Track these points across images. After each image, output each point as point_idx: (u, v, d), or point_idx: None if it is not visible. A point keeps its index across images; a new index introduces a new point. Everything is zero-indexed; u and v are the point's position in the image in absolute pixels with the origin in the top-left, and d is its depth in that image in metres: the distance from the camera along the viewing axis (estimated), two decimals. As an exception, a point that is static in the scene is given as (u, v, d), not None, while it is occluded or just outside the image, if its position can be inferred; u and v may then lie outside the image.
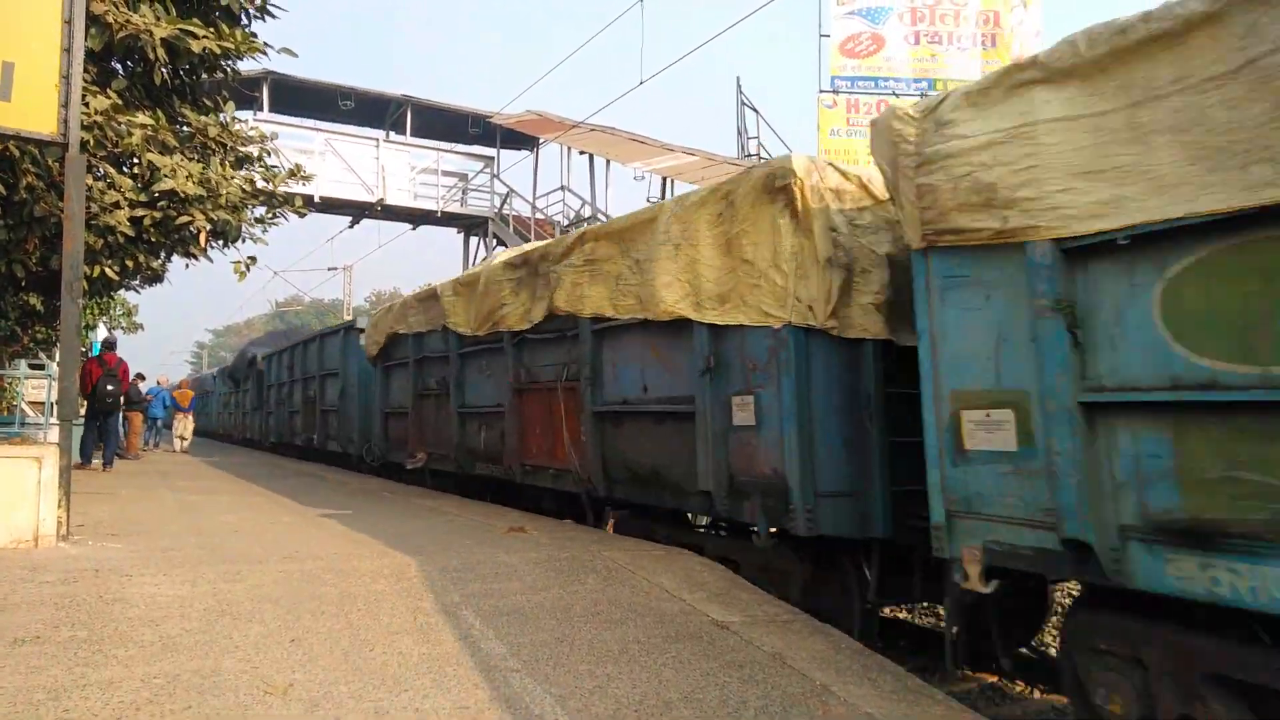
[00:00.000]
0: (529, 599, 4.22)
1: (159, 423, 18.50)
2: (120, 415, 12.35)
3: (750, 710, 2.94)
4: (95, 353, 12.27)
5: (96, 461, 11.46)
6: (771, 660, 3.46)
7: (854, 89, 16.87)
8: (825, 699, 3.09)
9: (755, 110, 16.65)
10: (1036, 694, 4.86)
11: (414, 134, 21.69)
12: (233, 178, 8.36)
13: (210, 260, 9.04)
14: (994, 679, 5.01)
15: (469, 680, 3.09)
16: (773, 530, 4.69)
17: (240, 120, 9.32)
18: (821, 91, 16.81)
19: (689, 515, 6.26)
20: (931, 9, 17.06)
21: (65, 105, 5.44)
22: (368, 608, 3.96)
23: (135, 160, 7.86)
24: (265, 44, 8.16)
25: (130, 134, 7.40)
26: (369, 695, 2.90)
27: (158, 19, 7.23)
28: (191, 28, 7.38)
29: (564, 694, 3.00)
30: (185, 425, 18.76)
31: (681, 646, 3.58)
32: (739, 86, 16.48)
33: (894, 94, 16.20)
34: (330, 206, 20.51)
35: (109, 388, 11.26)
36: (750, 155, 16.41)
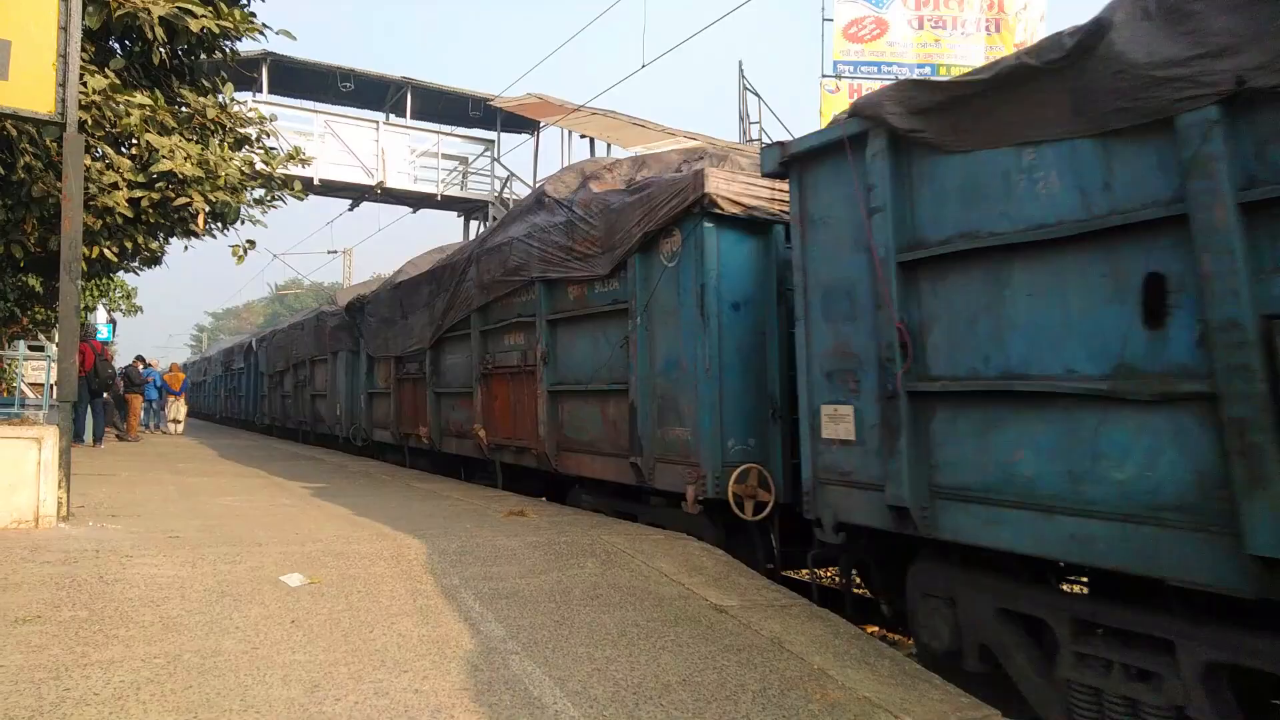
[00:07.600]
0: (528, 582, 4.23)
1: (154, 405, 18.51)
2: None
3: (748, 693, 2.95)
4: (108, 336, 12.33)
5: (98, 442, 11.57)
6: (769, 644, 3.47)
7: (857, 74, 16.75)
8: (823, 682, 3.10)
9: (757, 94, 16.52)
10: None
11: (414, 117, 21.55)
12: (231, 159, 8.32)
13: (214, 236, 9.02)
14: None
15: (469, 662, 3.11)
16: None
17: (239, 102, 9.26)
18: (824, 76, 16.69)
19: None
20: (936, -7, 16.91)
21: (63, 84, 5.40)
22: (367, 590, 3.97)
23: (133, 141, 7.82)
24: (264, 25, 8.10)
25: (128, 114, 7.35)
26: (369, 676, 2.92)
27: (155, -3, 7.16)
28: (190, 6, 7.32)
29: (563, 676, 3.01)
30: (178, 408, 18.80)
31: (680, 630, 3.59)
32: (741, 70, 16.36)
33: (897, 79, 16.08)
34: (330, 189, 20.40)
35: None
36: (752, 140, 16.30)
